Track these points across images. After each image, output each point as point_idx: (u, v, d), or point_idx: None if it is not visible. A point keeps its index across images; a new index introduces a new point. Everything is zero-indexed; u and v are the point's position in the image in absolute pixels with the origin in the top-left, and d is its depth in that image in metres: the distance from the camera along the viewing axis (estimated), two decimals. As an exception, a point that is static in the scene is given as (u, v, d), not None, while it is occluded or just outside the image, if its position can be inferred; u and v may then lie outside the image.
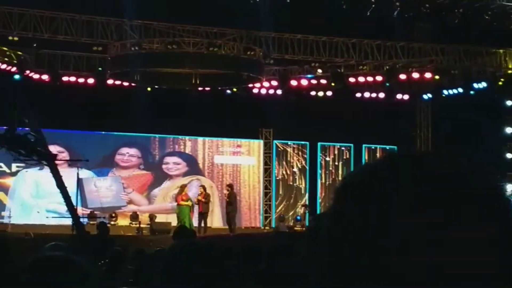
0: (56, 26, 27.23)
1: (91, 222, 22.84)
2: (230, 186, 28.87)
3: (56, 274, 2.64)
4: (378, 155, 34.76)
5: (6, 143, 18.53)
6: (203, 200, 27.74)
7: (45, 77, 29.08)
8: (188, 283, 3.73)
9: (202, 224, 27.52)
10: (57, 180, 18.88)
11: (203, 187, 28.55)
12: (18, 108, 19.11)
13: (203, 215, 27.72)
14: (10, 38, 27.39)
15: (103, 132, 31.53)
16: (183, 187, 28.12)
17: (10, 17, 26.64)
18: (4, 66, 27.87)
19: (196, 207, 27.91)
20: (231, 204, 28.16)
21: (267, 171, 33.30)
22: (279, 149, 33.98)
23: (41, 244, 11.64)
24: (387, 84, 30.80)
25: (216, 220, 30.94)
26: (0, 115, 21.64)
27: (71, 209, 19.85)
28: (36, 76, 28.97)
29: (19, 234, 23.05)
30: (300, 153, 34.31)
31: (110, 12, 27.46)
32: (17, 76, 28.25)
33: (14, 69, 28.14)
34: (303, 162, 34.18)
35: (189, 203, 27.25)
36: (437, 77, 30.54)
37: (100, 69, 29.55)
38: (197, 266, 3.76)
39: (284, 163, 34.05)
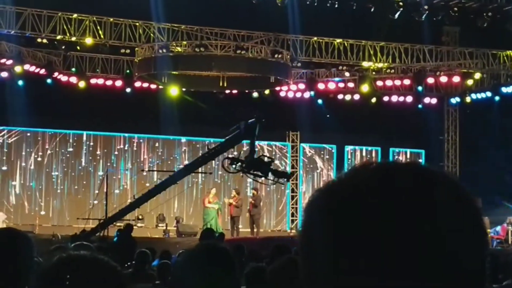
0: (84, 29, 27.36)
1: (118, 224, 22.89)
2: (256, 189, 28.86)
3: (80, 273, 2.61)
4: (405, 158, 34.61)
5: (246, 167, 20.59)
6: (234, 203, 27.77)
7: (73, 79, 29.23)
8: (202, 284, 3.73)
9: (235, 228, 27.60)
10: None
11: (237, 190, 28.58)
12: (256, 134, 20.92)
13: (233, 219, 27.79)
14: (39, 40, 27.57)
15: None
16: (210, 190, 28.20)
17: (39, 20, 26.79)
18: (33, 68, 28.02)
19: (227, 210, 28.11)
20: (256, 206, 28.17)
21: (294, 174, 33.24)
22: (306, 152, 33.94)
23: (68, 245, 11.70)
24: (419, 88, 30.66)
25: (246, 223, 30.96)
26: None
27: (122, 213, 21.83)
28: (64, 78, 29.11)
29: (46, 235, 23.20)
30: (327, 156, 34.25)
31: (137, 15, 27.54)
32: (49, 80, 28.43)
33: (43, 71, 28.30)
34: (330, 165, 34.11)
35: (216, 206, 27.28)
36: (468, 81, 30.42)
37: (128, 71, 29.66)
38: (210, 268, 3.76)
39: (311, 166, 34.01)
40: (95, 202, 26.48)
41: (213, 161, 23.80)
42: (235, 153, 23.48)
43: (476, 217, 1.36)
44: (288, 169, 32.67)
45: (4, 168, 30.64)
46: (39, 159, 30.94)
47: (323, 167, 34.11)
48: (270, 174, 20.88)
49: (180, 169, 24.61)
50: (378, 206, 1.28)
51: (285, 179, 21.63)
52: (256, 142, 32.03)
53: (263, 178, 21.38)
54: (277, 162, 32.56)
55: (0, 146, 30.71)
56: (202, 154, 23.10)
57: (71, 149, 31.41)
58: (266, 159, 21.58)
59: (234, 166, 20.93)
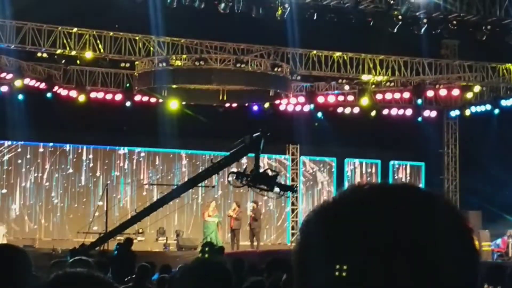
0: (84, 43, 27.43)
1: (118, 237, 22.88)
2: (256, 202, 28.82)
3: None
4: (405, 171, 34.65)
5: (251, 181, 20.72)
6: (234, 216, 27.75)
7: (73, 93, 29.26)
8: None
9: (235, 241, 27.57)
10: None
11: (237, 203, 28.56)
12: (261, 147, 21.07)
13: (234, 231, 27.76)
14: (39, 54, 27.64)
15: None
16: (209, 203, 28.20)
17: (39, 34, 26.86)
18: (33, 82, 28.06)
19: (227, 223, 28.12)
20: (256, 220, 28.13)
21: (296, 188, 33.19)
22: (306, 165, 33.94)
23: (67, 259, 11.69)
24: (419, 101, 30.69)
25: (246, 236, 30.92)
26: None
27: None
28: (64, 92, 29.15)
29: (46, 249, 23.19)
30: (327, 169, 34.25)
31: (137, 29, 27.60)
32: (49, 94, 28.47)
33: (43, 85, 28.33)
34: (330, 178, 34.12)
35: (216, 219, 27.26)
36: (467, 94, 30.47)
37: (127, 85, 29.70)
38: (207, 283, 3.77)
39: (311, 179, 34.00)
40: (96, 214, 26.49)
41: (215, 175, 23.77)
42: (243, 166, 23.47)
43: (468, 238, 1.38)
44: (288, 182, 32.67)
45: (4, 191, 30.56)
46: (39, 174, 30.92)
47: (323, 180, 34.10)
48: (275, 187, 20.93)
49: (183, 182, 24.60)
50: (372, 225, 1.31)
51: (291, 192, 21.64)
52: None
53: (269, 192, 21.41)
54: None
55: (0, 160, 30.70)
56: (206, 168, 23.10)
57: (70, 164, 31.39)
58: (271, 172, 21.60)
59: (239, 180, 20.98)
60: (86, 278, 2.66)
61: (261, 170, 21.55)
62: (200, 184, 25.15)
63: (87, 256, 11.08)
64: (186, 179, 25.52)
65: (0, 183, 30.65)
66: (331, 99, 31.02)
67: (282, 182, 24.42)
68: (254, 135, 21.01)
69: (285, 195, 21.54)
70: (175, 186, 24.51)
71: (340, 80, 30.61)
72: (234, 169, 23.29)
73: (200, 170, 24.33)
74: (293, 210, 33.19)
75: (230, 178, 21.39)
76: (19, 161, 30.80)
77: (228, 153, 21.98)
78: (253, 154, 21.23)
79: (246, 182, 20.97)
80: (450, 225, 1.36)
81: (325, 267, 1.32)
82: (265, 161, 32.32)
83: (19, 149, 30.79)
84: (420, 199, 1.37)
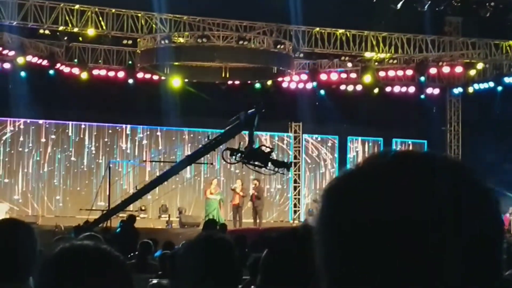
0: (86, 20, 27.36)
1: (121, 215, 22.94)
2: (258, 180, 28.71)
3: (84, 263, 2.59)
4: (408, 149, 34.61)
5: (246, 158, 20.64)
6: (241, 193, 27.74)
7: (75, 70, 29.21)
8: (203, 276, 3.74)
9: (237, 218, 27.58)
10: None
11: (241, 180, 28.49)
12: (256, 124, 20.91)
13: (237, 209, 27.70)
14: (41, 31, 27.58)
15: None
16: (211, 181, 28.21)
17: (41, 11, 26.79)
18: (35, 59, 28.01)
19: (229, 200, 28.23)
20: (259, 198, 28.10)
21: (297, 165, 33.25)
22: (308, 142, 33.95)
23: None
24: (422, 78, 30.62)
25: (248, 214, 30.93)
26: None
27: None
28: (66, 69, 29.10)
29: (49, 226, 23.23)
30: (329, 147, 34.26)
31: (140, 6, 27.53)
32: (51, 71, 28.41)
33: (45, 62, 28.28)
34: (333, 156, 34.12)
35: (218, 196, 27.28)
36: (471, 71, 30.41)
37: (130, 62, 29.65)
38: (210, 259, 3.77)
39: (314, 157, 34.02)
40: (98, 191, 26.54)
41: (215, 152, 23.72)
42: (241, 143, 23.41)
43: (496, 208, 1.37)
44: (291, 159, 32.69)
45: (6, 180, 30.58)
46: (41, 150, 30.92)
47: (325, 158, 34.11)
48: (270, 164, 20.88)
49: (181, 159, 24.61)
50: (397, 193, 1.29)
51: (286, 169, 21.56)
52: (259, 133, 32.13)
53: (263, 169, 21.33)
54: (279, 153, 32.59)
55: (3, 138, 30.71)
56: (203, 145, 23.08)
57: (72, 143, 31.38)
58: (266, 149, 21.51)
59: (234, 157, 20.92)
60: (94, 250, 2.66)
61: (256, 146, 21.49)
62: (201, 161, 25.17)
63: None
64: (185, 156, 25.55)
65: (2, 164, 30.66)
66: (334, 76, 30.94)
67: (279, 159, 24.29)
68: (249, 111, 20.94)
69: (279, 171, 21.44)
70: (174, 164, 24.49)
71: (342, 58, 30.55)
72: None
73: (198, 148, 24.33)
74: (295, 188, 33.22)
75: (224, 155, 21.28)
76: (21, 139, 30.78)
77: (223, 130, 21.96)
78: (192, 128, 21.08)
79: (240, 159, 20.92)
80: (479, 201, 1.34)
81: (346, 234, 1.31)
82: (268, 139, 32.36)
83: (22, 127, 30.78)
84: (446, 168, 1.35)
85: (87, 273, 2.56)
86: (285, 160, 23.32)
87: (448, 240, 1.27)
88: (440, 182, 1.31)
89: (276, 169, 21.17)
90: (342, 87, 31.26)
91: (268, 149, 21.58)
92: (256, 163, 20.98)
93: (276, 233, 3.57)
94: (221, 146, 22.24)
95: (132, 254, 13.09)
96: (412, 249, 1.27)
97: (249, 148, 20.82)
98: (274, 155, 22.18)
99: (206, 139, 22.67)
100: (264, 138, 32.62)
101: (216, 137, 22.23)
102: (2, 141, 30.64)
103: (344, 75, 31.00)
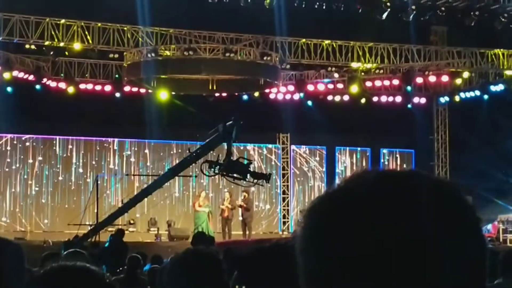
0: (72, 34, 27.36)
1: (110, 229, 22.88)
2: (247, 191, 28.62)
3: (72, 284, 2.60)
4: (395, 158, 34.73)
5: (224, 170, 20.54)
6: (229, 206, 27.69)
7: (62, 84, 29.16)
8: None
9: (227, 230, 27.53)
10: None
11: (229, 193, 28.41)
12: (233, 137, 20.82)
13: (226, 221, 27.65)
14: (27, 46, 27.56)
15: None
16: (199, 193, 28.18)
17: (27, 26, 26.78)
18: (21, 74, 27.95)
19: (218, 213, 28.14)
20: (248, 210, 28.08)
21: (285, 176, 33.28)
22: (296, 153, 33.96)
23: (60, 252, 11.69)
24: (408, 88, 30.69)
25: (237, 226, 30.88)
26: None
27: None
28: (53, 84, 29.05)
29: (38, 242, 23.15)
30: (317, 157, 34.28)
31: (126, 19, 27.54)
32: (38, 86, 28.34)
33: (31, 77, 28.22)
34: (321, 167, 34.15)
35: (207, 209, 27.26)
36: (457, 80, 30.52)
37: (117, 76, 29.63)
38: (198, 273, 3.77)
39: (302, 168, 34.03)
40: (85, 208, 26.45)
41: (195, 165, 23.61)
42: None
43: (477, 226, 1.37)
44: (279, 171, 32.74)
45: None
46: (28, 169, 30.81)
47: (314, 169, 34.13)
48: (249, 176, 20.79)
49: (164, 173, 24.54)
50: (378, 212, 1.30)
51: (265, 180, 21.39)
52: (247, 145, 32.17)
53: (242, 181, 21.24)
54: (267, 165, 32.61)
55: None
56: (184, 158, 23.01)
57: (60, 158, 31.30)
58: (244, 161, 21.44)
59: (212, 169, 20.80)
60: (81, 271, 2.66)
61: (234, 159, 21.42)
62: (189, 174, 25.13)
63: (81, 248, 11.08)
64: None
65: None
66: (321, 87, 30.99)
67: (258, 171, 24.19)
68: (227, 123, 20.89)
69: (259, 183, 21.32)
70: (156, 177, 24.42)
71: (329, 68, 30.61)
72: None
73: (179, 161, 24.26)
74: (284, 199, 33.23)
75: (203, 167, 21.20)
76: (8, 154, 30.68)
77: (203, 143, 21.92)
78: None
79: (218, 171, 20.85)
80: (459, 217, 1.35)
81: (329, 254, 1.31)
82: (255, 151, 32.37)
83: (8, 142, 30.68)
84: (428, 187, 1.36)
85: None
86: (264, 172, 23.15)
87: (430, 258, 1.27)
88: (421, 202, 1.31)
89: (255, 180, 21.08)
90: (329, 97, 31.31)
91: (247, 161, 21.49)
92: (235, 175, 20.90)
93: (267, 244, 3.59)
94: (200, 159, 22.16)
95: (121, 268, 13.05)
96: (394, 269, 1.27)
97: (227, 160, 20.75)
98: (252, 167, 22.07)
99: (187, 152, 22.59)
100: (253, 150, 32.66)
101: (196, 149, 22.20)
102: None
103: (331, 86, 31.06)
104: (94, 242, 20.92)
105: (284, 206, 33.18)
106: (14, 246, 3.86)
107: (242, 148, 32.38)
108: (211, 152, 21.96)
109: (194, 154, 21.86)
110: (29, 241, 23.54)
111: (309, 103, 31.42)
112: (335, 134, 31.61)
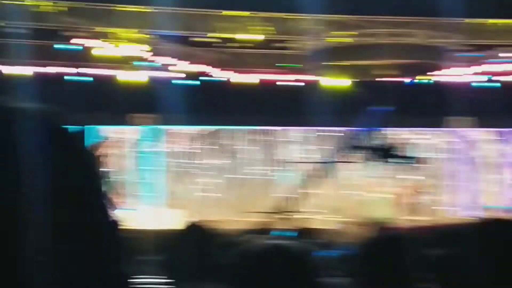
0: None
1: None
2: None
3: (290, 264, 2.78)
4: None
5: (382, 155, 21.05)
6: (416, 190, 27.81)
7: (241, 76, 29.40)
8: None
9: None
10: None
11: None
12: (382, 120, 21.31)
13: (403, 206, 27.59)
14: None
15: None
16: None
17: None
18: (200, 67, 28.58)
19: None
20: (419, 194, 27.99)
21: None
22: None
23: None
24: None
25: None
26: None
27: None
28: (233, 76, 29.28)
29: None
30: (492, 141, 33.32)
31: (293, 9, 27.68)
32: (220, 78, 28.97)
33: (209, 69, 28.72)
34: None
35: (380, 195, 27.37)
36: None
37: (293, 65, 29.69)
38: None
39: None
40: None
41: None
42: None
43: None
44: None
45: None
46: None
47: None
48: (398, 159, 20.78)
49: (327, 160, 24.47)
50: None
51: (411, 163, 21.36)
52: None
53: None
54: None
55: None
56: (345, 145, 22.99)
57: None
58: (388, 145, 21.40)
59: (374, 155, 20.89)
60: (299, 252, 2.97)
61: (382, 143, 21.41)
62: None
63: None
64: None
65: None
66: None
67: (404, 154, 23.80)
68: (376, 108, 20.86)
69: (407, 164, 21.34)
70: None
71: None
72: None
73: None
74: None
75: (366, 154, 21.25)
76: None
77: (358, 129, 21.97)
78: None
79: (378, 157, 20.87)
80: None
81: None
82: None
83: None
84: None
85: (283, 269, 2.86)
86: (408, 155, 23.03)
87: None
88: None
89: (403, 161, 21.11)
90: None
91: (390, 145, 21.56)
92: (387, 159, 20.99)
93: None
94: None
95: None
96: None
97: (380, 145, 20.78)
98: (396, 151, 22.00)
99: (346, 139, 22.60)
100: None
101: (353, 136, 22.26)
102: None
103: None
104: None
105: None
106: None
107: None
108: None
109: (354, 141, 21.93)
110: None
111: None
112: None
